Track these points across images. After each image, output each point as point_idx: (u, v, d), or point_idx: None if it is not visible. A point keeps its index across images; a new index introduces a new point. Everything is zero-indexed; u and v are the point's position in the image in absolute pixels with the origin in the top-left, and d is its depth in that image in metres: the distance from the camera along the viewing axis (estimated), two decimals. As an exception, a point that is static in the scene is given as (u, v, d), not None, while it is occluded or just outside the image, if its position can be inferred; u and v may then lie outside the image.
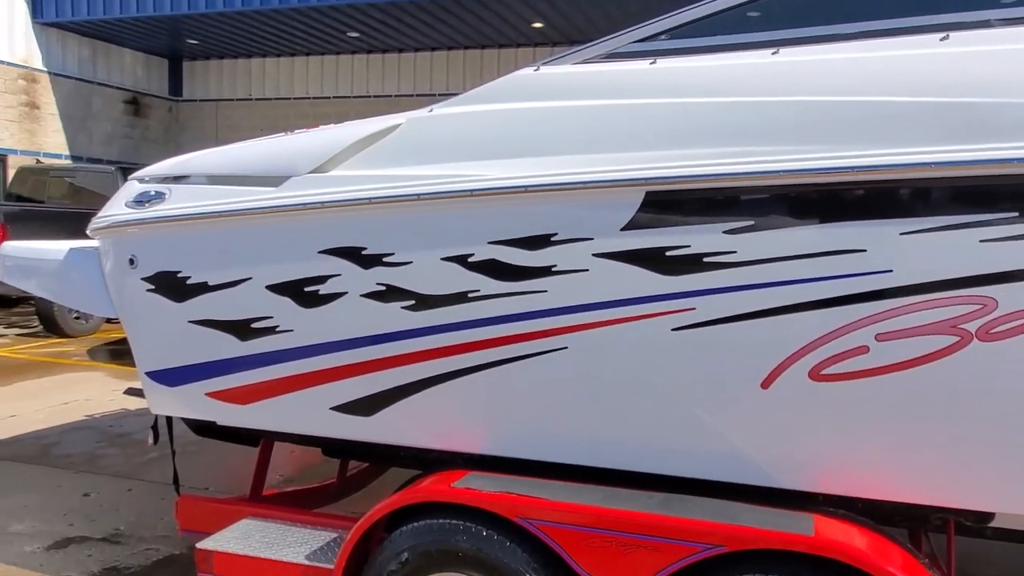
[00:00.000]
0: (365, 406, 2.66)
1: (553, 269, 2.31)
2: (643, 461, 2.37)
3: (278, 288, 2.68)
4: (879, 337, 2.03)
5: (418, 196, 2.42)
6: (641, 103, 2.27)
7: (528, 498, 2.36)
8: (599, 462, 2.42)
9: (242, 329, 2.77)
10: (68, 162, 14.77)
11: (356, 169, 2.58)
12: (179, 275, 2.83)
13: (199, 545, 2.78)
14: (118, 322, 3.30)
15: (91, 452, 5.47)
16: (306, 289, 2.64)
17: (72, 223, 10.32)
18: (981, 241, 1.91)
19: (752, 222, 2.10)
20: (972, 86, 1.95)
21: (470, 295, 2.42)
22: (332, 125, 2.86)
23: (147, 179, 2.99)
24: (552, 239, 2.30)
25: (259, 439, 3.29)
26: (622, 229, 2.22)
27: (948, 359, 1.98)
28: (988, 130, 1.89)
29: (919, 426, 2.05)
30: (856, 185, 2.01)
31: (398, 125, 2.58)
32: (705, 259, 2.15)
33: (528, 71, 2.52)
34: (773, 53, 2.20)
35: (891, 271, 1.99)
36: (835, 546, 2.06)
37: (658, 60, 2.32)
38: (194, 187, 2.85)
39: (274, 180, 2.68)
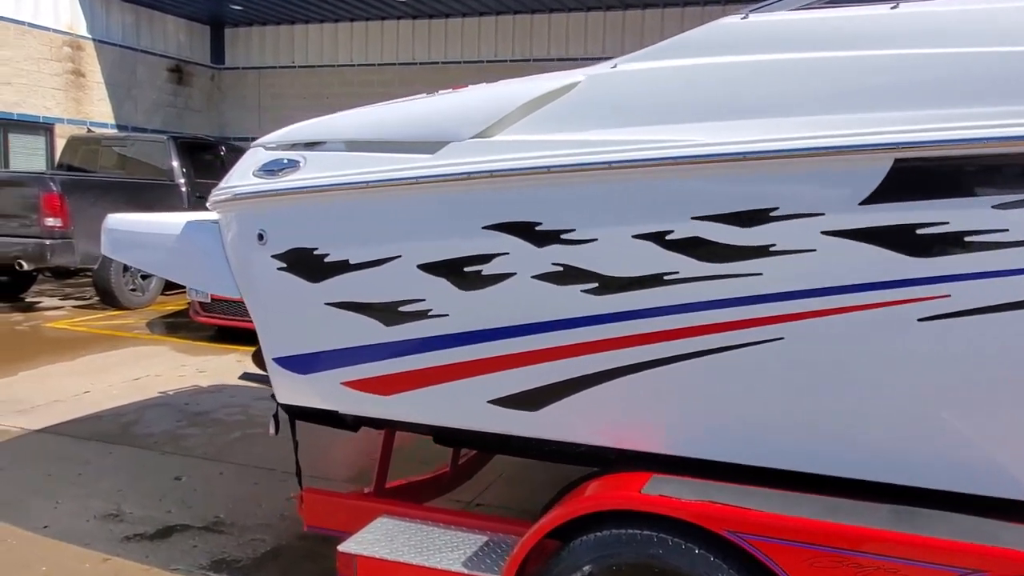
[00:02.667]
0: (531, 400, 2.40)
1: (771, 249, 2.01)
2: (870, 469, 2.08)
3: (432, 268, 2.40)
4: None
5: (609, 164, 2.11)
6: (884, 55, 1.94)
7: (740, 509, 2.08)
8: (812, 468, 2.14)
9: (388, 313, 2.50)
10: (118, 132, 14.62)
11: (526, 133, 2.28)
12: (316, 252, 2.57)
13: (341, 548, 2.54)
14: (177, 293, 3.09)
15: (173, 431, 5.29)
16: (466, 269, 2.36)
17: (128, 193, 10.24)
18: None
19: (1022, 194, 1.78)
20: None
21: (666, 278, 2.13)
22: (486, 84, 2.56)
23: (274, 146, 2.72)
24: (772, 214, 1.99)
25: (364, 427, 3.01)
26: (861, 203, 1.91)
27: None
28: None
29: None
30: None
31: (576, 83, 2.27)
32: (966, 239, 1.83)
33: (734, 19, 2.19)
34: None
35: None
36: None
37: (901, 4, 1.99)
38: (332, 154, 2.58)
39: (429, 146, 2.39)
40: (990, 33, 1.87)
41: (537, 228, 2.25)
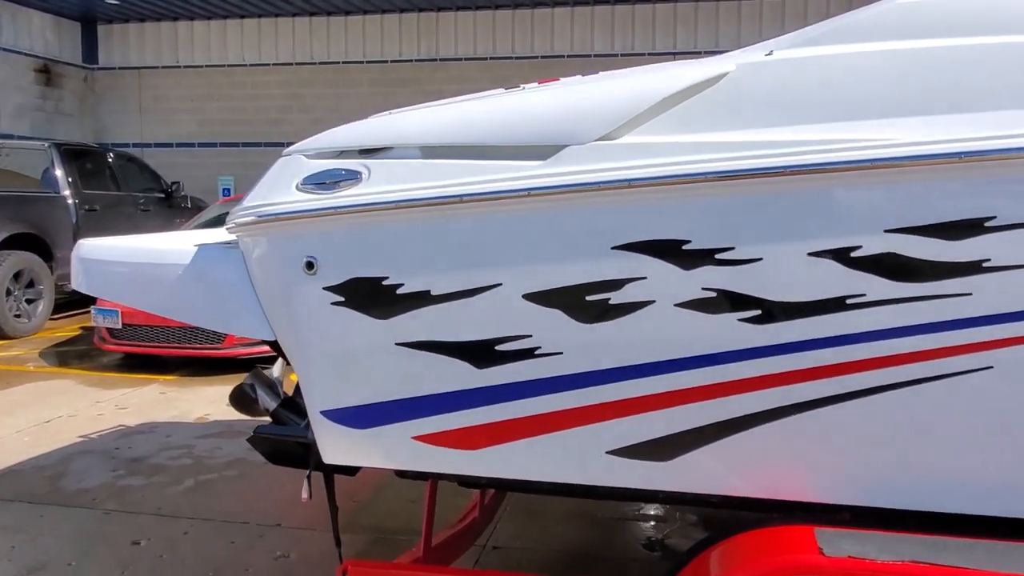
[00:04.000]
0: (664, 448, 2.03)
1: (984, 265, 1.72)
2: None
3: (543, 298, 1.99)
4: None
5: (784, 169, 1.77)
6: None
7: (946, 568, 1.78)
8: (1009, 512, 1.87)
9: (482, 353, 2.07)
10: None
11: (664, 134, 1.91)
12: (386, 282, 2.10)
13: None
14: (67, 316, 2.54)
15: (112, 484, 4.57)
16: (589, 298, 1.96)
17: (5, 208, 9.07)
18: None
19: None
20: None
21: (849, 301, 1.81)
22: (600, 76, 2.16)
23: (320, 153, 2.22)
24: (987, 224, 1.71)
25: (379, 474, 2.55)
26: (1096, 210, 1.65)
27: None
28: None
29: None
30: None
31: (724, 74, 1.91)
32: None
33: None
34: None
35: None
36: None
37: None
38: (404, 162, 2.11)
39: (539, 151, 1.97)
40: None
41: (685, 248, 1.88)
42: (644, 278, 1.92)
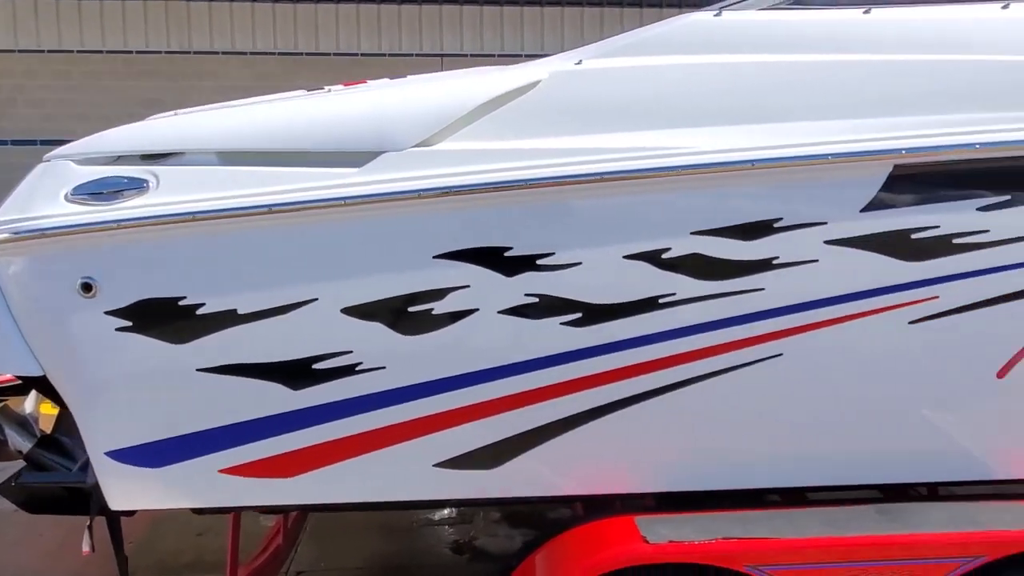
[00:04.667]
0: (491, 455, 2.02)
1: (775, 262, 1.90)
2: (866, 473, 2.09)
3: (364, 311, 1.90)
4: (1122, 314, 1.95)
5: (601, 176, 1.83)
6: (875, 60, 1.93)
7: (756, 541, 1.95)
8: (809, 481, 2.09)
9: (298, 373, 1.93)
10: None
11: (481, 140, 1.89)
12: (183, 303, 1.89)
13: None
14: None
15: None
16: (412, 309, 1.90)
17: None
18: None
19: (1006, 197, 1.89)
20: None
21: (662, 300, 1.91)
22: (407, 80, 2.08)
23: (92, 159, 1.94)
24: (776, 225, 1.88)
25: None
26: (862, 210, 1.88)
27: None
28: None
29: None
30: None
31: (537, 82, 1.93)
32: (955, 241, 1.90)
33: (706, 16, 2.02)
34: (1004, 7, 1.99)
35: None
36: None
37: (872, 9, 1.99)
38: (199, 170, 1.90)
39: (354, 157, 1.87)
40: (948, 42, 1.96)
41: (507, 254, 1.88)
42: (467, 286, 1.89)
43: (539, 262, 1.89)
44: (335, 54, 13.26)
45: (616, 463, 2.06)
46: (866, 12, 2.00)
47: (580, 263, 1.89)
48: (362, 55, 13.41)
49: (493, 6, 11.85)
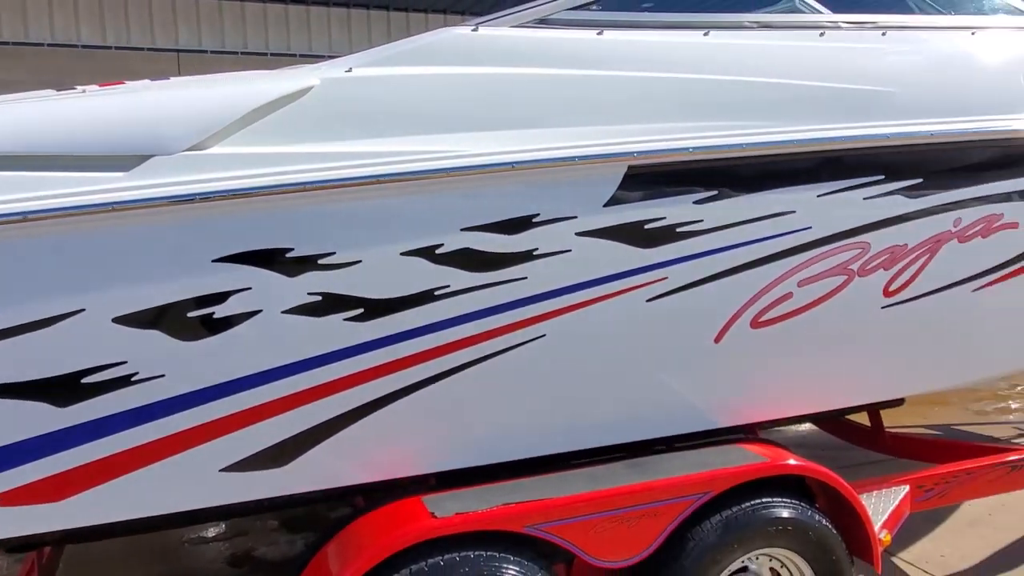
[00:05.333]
0: (280, 454, 2.05)
1: (535, 253, 2.13)
2: (616, 434, 2.39)
3: (138, 319, 1.85)
4: (800, 283, 2.44)
5: (377, 178, 1.94)
6: (608, 75, 2.22)
7: (530, 504, 2.17)
8: (573, 446, 2.35)
9: (65, 388, 1.84)
10: None
11: (255, 145, 1.91)
12: (-77, 321, 1.72)
13: None
14: None
15: None
16: (190, 315, 1.89)
17: None
18: (865, 199, 2.45)
19: (715, 191, 2.28)
20: (856, 75, 2.45)
21: (438, 292, 2.07)
22: (167, 82, 2.02)
23: None
24: (534, 220, 2.11)
25: None
26: (604, 205, 2.17)
27: (841, 294, 2.49)
28: (871, 112, 2.41)
29: (839, 347, 2.55)
30: (791, 156, 2.35)
31: (309, 88, 1.98)
32: (678, 229, 2.25)
33: (465, 31, 2.18)
34: (704, 35, 2.37)
35: (810, 227, 2.40)
36: (805, 468, 2.47)
37: (606, 31, 2.28)
38: (-65, 177, 1.73)
39: (120, 161, 1.81)
40: (668, 61, 2.31)
41: (288, 256, 1.93)
42: (249, 288, 1.91)
43: (320, 262, 1.96)
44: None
45: (403, 448, 2.18)
46: (599, 33, 2.30)
47: (360, 261, 1.99)
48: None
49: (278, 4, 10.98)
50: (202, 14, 10.61)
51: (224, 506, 2.11)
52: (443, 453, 2.23)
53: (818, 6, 2.79)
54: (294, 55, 9.96)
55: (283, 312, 1.95)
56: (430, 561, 2.06)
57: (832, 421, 4.10)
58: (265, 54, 9.91)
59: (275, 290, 1.93)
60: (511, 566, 2.12)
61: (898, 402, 3.62)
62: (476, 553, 2.10)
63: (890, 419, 4.34)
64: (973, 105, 2.56)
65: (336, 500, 2.29)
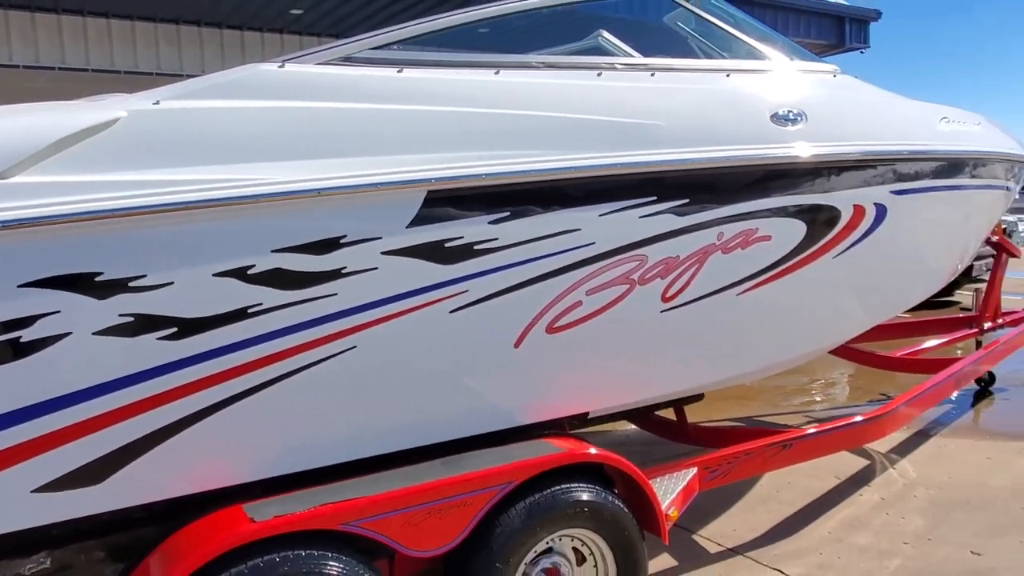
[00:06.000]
0: (97, 470, 2.12)
1: (343, 271, 2.32)
2: (425, 435, 2.60)
3: (-63, 346, 1.89)
4: (588, 292, 2.76)
5: (187, 204, 2.07)
6: (407, 109, 2.44)
7: (344, 503, 2.34)
8: (383, 449, 2.54)
9: None
10: None
11: (61, 174, 1.99)
12: None
13: None
14: None
15: None
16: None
17: None
18: (640, 217, 2.81)
19: (508, 212, 2.55)
20: (629, 110, 2.81)
21: (251, 310, 2.21)
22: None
23: None
24: (342, 241, 2.31)
25: None
26: (407, 226, 2.39)
27: (624, 300, 2.84)
28: (643, 141, 2.78)
29: (624, 346, 2.89)
30: (574, 180, 2.66)
31: (116, 119, 2.08)
32: (475, 247, 2.51)
33: (271, 67, 2.34)
34: (495, 73, 2.65)
35: (594, 243, 2.73)
36: (598, 456, 2.79)
37: (405, 69, 2.51)
38: None
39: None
40: (461, 97, 2.57)
41: (98, 279, 2.02)
42: (58, 311, 1.99)
43: (131, 284, 2.05)
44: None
45: (222, 458, 2.30)
46: (400, 71, 2.53)
47: (172, 283, 2.10)
48: None
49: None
50: (12, 25, 9.97)
51: (41, 529, 2.14)
52: (263, 462, 2.36)
53: (613, 50, 3.18)
54: (118, 71, 9.58)
55: (94, 334, 2.03)
56: (251, 563, 2.19)
57: (646, 419, 4.51)
58: (86, 70, 9.50)
59: (85, 313, 2.01)
60: (332, 563, 2.28)
61: (697, 397, 4.07)
62: (296, 553, 2.25)
63: (703, 414, 4.84)
64: (728, 136, 3.00)
65: (160, 521, 2.36)
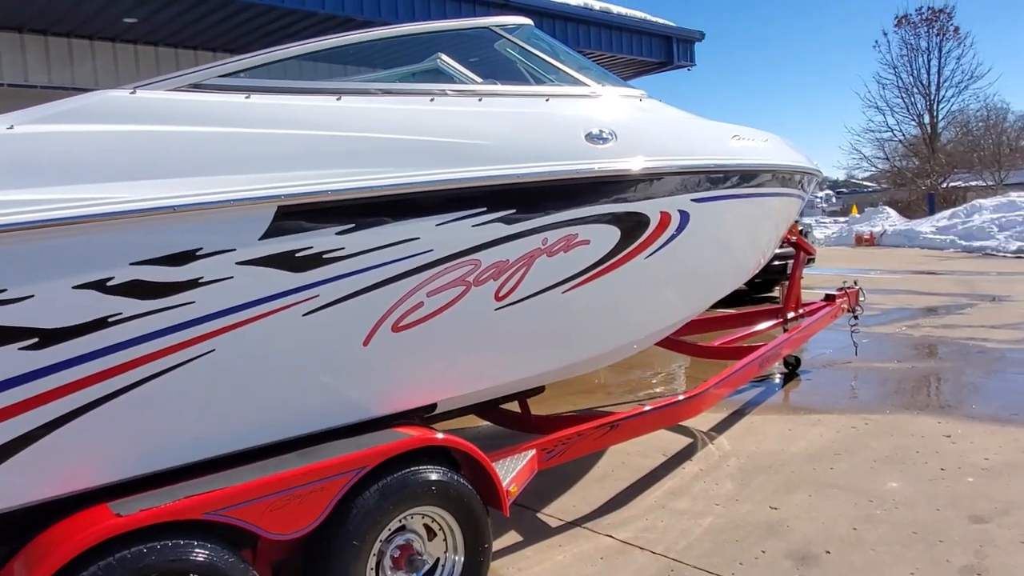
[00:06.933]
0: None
1: (200, 281, 2.53)
2: (285, 430, 2.83)
3: None
4: (428, 294, 3.09)
5: (45, 223, 2.22)
6: (256, 132, 2.68)
7: (207, 494, 2.54)
8: (245, 444, 2.75)
9: None
10: None
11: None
12: None
13: None
14: None
15: None
16: None
17: None
18: (473, 226, 3.17)
19: (353, 224, 2.84)
20: (459, 131, 3.17)
21: (111, 319, 2.38)
22: None
23: None
24: (198, 253, 2.51)
25: None
26: (260, 238, 2.63)
27: (462, 300, 3.19)
28: (472, 159, 3.15)
29: (463, 341, 3.23)
30: (411, 194, 2.98)
31: (-27, 144, 2.21)
32: (324, 255, 2.78)
33: (123, 93, 2.51)
34: (337, 99, 2.93)
35: (432, 250, 3.07)
36: (448, 440, 3.12)
37: (252, 95, 2.74)
38: None
39: None
40: (303, 120, 2.84)
41: (-42, 293, 2.14)
42: None
43: (-8, 298, 2.19)
44: None
45: (86, 461, 2.44)
46: (247, 97, 2.77)
47: (32, 295, 2.24)
48: None
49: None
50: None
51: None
52: (127, 461, 2.52)
53: (451, 71, 3.53)
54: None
55: (-46, 347, 2.15)
56: (118, 555, 2.34)
57: (493, 413, 4.88)
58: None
59: (-56, 326, 2.13)
60: (198, 550, 2.47)
61: (538, 390, 4.49)
62: (162, 544, 2.42)
63: (550, 408, 5.26)
64: (548, 153, 3.42)
65: (12, 535, 2.46)
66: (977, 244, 21.58)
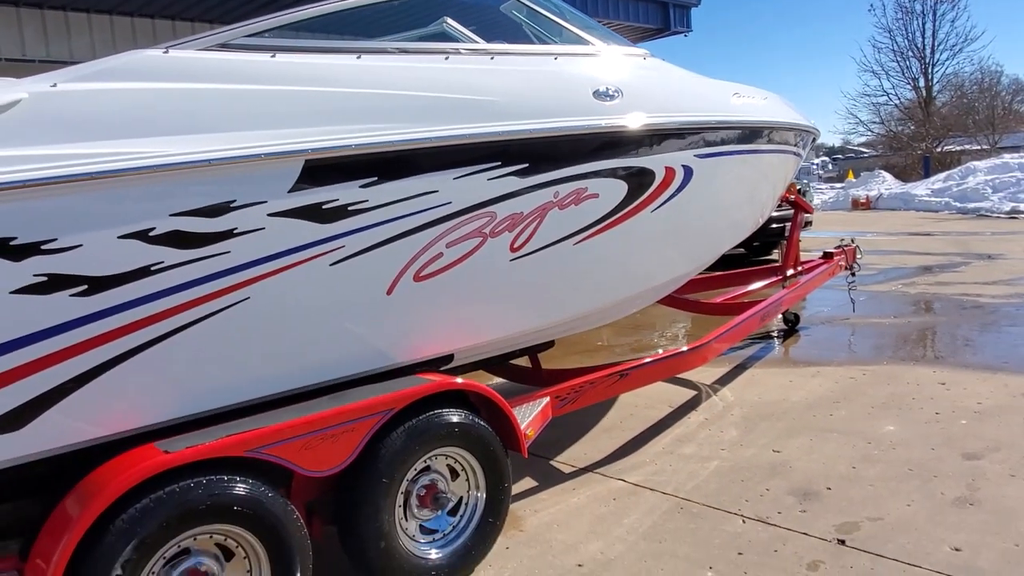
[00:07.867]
0: (17, 417, 2.37)
1: (235, 232, 2.66)
2: (316, 375, 2.99)
3: None
4: (448, 245, 3.22)
5: (91, 175, 2.34)
6: (282, 89, 2.80)
7: (248, 432, 2.69)
8: (285, 388, 2.91)
9: None
10: None
11: (-36, 150, 2.23)
12: None
13: None
14: None
15: None
16: (-81, 298, 2.16)
17: None
18: (488, 179, 3.30)
19: (375, 177, 2.97)
20: (473, 88, 3.28)
21: (154, 268, 2.52)
22: None
23: None
24: (232, 205, 2.64)
25: None
26: (288, 191, 2.76)
27: (479, 251, 3.33)
28: (486, 115, 3.27)
29: (481, 291, 3.37)
30: (430, 149, 3.10)
31: (19, 100, 2.32)
32: (349, 207, 2.91)
33: (156, 52, 2.62)
34: (357, 58, 3.04)
35: (451, 202, 3.19)
36: (463, 385, 3.27)
37: (278, 55, 2.85)
38: None
39: None
40: (331, 78, 2.96)
41: (12, 243, 2.27)
42: None
43: (43, 247, 2.31)
44: None
45: (135, 402, 2.59)
46: (273, 56, 2.88)
47: (81, 245, 2.37)
48: None
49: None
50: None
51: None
52: (171, 404, 2.66)
53: (457, 34, 3.63)
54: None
55: (11, 292, 2.28)
56: (168, 489, 2.50)
57: (505, 368, 5.05)
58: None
59: (1, 274, 2.26)
60: (239, 484, 2.63)
61: (548, 344, 4.64)
62: (208, 478, 2.58)
63: (559, 365, 5.41)
64: (557, 110, 3.54)
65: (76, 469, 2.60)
66: (972, 206, 21.76)
